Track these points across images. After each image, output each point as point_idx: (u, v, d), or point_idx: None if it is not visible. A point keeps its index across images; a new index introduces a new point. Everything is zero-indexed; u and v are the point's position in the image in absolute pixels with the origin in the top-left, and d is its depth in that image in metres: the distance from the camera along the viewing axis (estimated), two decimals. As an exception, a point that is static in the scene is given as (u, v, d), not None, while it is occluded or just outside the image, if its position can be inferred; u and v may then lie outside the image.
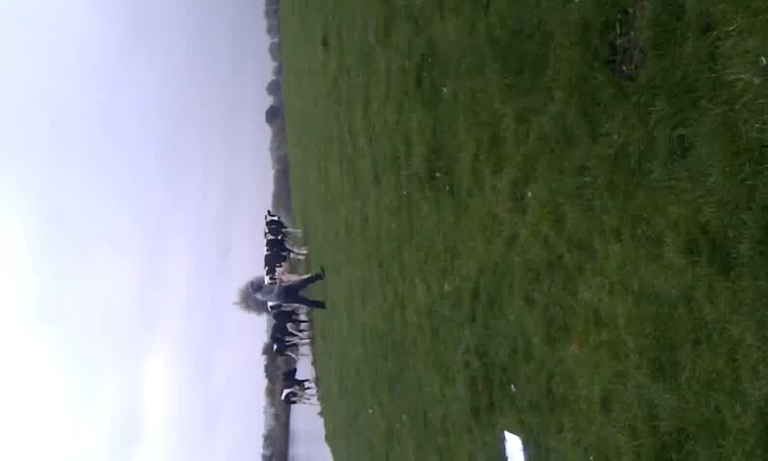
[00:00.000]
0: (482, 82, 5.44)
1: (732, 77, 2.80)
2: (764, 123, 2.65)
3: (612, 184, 3.67)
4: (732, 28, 2.80)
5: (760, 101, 2.68)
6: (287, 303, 18.89)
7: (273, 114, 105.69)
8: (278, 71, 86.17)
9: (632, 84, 3.48)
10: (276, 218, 24.73)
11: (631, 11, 3.49)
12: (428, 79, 6.96)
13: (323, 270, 17.10)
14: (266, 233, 23.08)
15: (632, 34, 3.49)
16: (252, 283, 16.61)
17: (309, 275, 18.58)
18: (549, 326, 4.47)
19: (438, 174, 6.81)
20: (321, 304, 17.24)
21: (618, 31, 3.59)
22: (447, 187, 6.49)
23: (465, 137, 5.92)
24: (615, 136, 3.63)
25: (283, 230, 24.23)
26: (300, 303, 18.92)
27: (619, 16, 3.57)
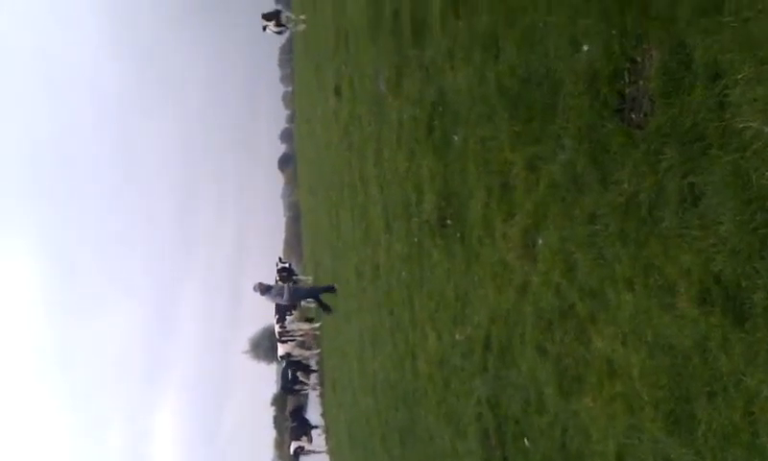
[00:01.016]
0: (492, 130, 5.47)
1: (742, 125, 2.79)
2: (775, 171, 2.62)
3: (624, 233, 3.63)
4: (740, 76, 2.80)
5: (771, 149, 2.66)
6: (297, 300, 18.28)
7: (285, 162, 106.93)
8: (291, 119, 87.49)
9: (641, 133, 3.47)
10: (286, 265, 24.74)
11: (639, 60, 3.50)
12: (439, 127, 7.01)
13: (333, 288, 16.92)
14: (277, 281, 23.05)
15: (640, 82, 3.50)
16: (259, 284, 16.11)
17: (322, 285, 18.31)
18: (562, 377, 4.38)
19: (449, 221, 6.80)
20: (328, 308, 16.87)
21: (627, 79, 3.60)
22: (458, 235, 6.47)
23: (475, 185, 5.92)
24: (626, 184, 3.60)
25: (294, 277, 24.20)
26: (311, 296, 18.40)
27: (628, 65, 3.58)
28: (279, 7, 24.48)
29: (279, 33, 20.70)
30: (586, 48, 3.95)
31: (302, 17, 22.66)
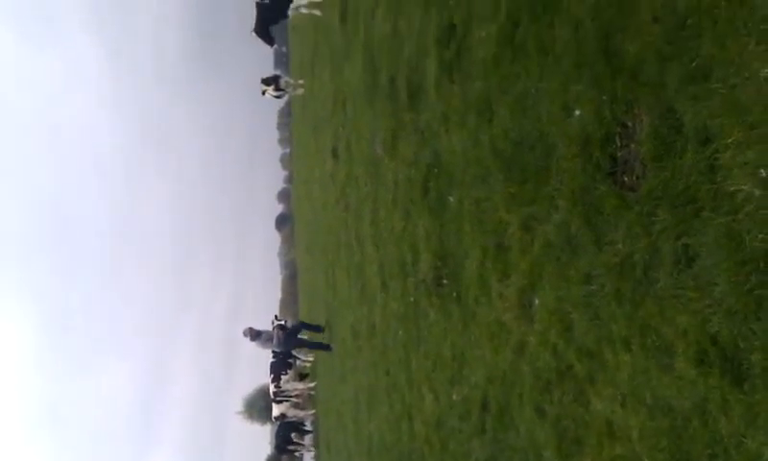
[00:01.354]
0: (487, 191, 5.54)
1: (733, 188, 2.84)
2: (767, 233, 2.66)
3: (620, 293, 3.64)
4: (730, 141, 2.87)
5: (762, 211, 2.70)
6: (289, 348, 17.65)
7: (282, 221, 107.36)
8: (289, 180, 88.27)
9: (634, 195, 3.53)
10: (282, 323, 24.52)
11: (630, 124, 3.59)
12: (434, 188, 7.10)
13: (328, 326, 16.57)
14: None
15: (632, 146, 3.58)
16: (250, 329, 15.51)
17: (313, 323, 17.89)
18: (561, 439, 4.32)
19: (445, 281, 6.80)
20: (326, 346, 16.42)
21: (619, 143, 3.69)
22: (454, 294, 6.47)
23: (471, 245, 5.96)
24: (620, 245, 3.64)
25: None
26: (304, 345, 17.82)
27: (619, 130, 3.67)
28: (278, 72, 25.02)
29: (278, 97, 21.06)
30: (577, 113, 4.05)
31: (301, 82, 23.13)
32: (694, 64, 3.08)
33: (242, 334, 15.47)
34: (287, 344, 16.20)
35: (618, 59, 3.65)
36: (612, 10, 3.72)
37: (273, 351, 22.10)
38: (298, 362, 22.79)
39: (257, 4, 14.09)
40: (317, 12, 15.97)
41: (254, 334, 15.43)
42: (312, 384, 22.01)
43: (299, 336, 16.99)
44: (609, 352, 3.76)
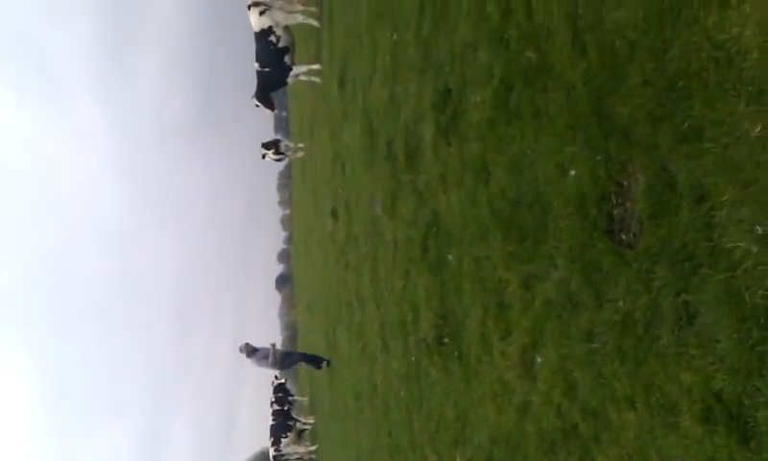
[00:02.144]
0: (486, 249, 5.58)
1: (731, 245, 2.87)
2: (766, 289, 2.68)
3: (622, 351, 3.64)
4: (724, 198, 2.92)
5: (761, 268, 2.73)
6: (285, 367, 17.21)
7: (282, 281, 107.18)
8: (289, 240, 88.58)
9: (632, 252, 3.56)
10: (282, 382, 24.26)
11: (625, 183, 3.66)
12: (434, 247, 7.14)
13: (328, 362, 16.27)
14: (272, 402, 22.52)
15: (628, 204, 3.63)
16: (246, 345, 15.13)
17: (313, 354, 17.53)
18: (568, 501, 4.23)
19: (446, 340, 6.77)
20: (323, 361, 16.02)
21: (615, 202, 3.74)
22: (456, 353, 6.43)
23: (471, 303, 5.96)
24: (621, 303, 3.65)
25: (290, 397, 23.65)
26: (301, 360, 17.36)
27: (614, 188, 3.73)
28: (279, 136, 25.48)
29: (278, 160, 21.40)
30: (573, 173, 4.12)
31: (300, 145, 23.50)
32: (686, 125, 3.15)
33: (238, 350, 15.25)
34: (283, 363, 15.93)
35: (611, 120, 3.74)
36: (603, 74, 3.83)
37: (272, 414, 21.76)
38: (298, 425, 22.43)
39: (258, 72, 14.45)
40: (316, 80, 16.36)
41: (251, 350, 15.18)
42: (313, 448, 21.62)
43: (294, 353, 16.76)
44: (613, 411, 3.73)
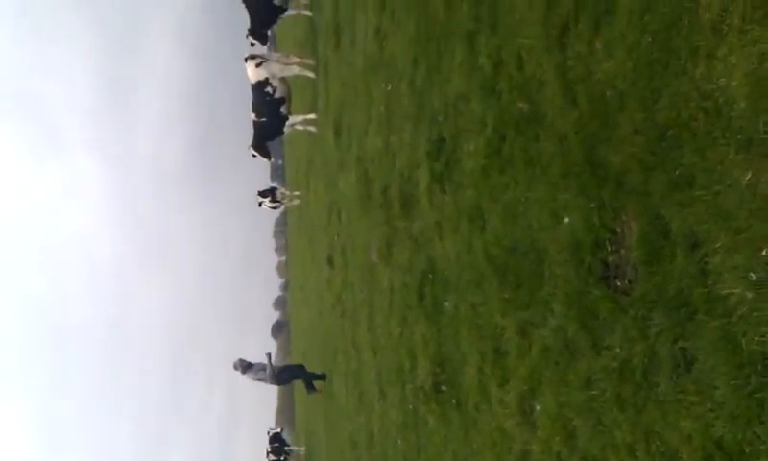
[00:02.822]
0: (482, 296, 5.58)
1: (725, 291, 2.89)
2: (763, 336, 2.69)
3: (621, 398, 3.61)
4: (718, 245, 2.94)
5: (756, 314, 2.74)
6: (282, 382, 16.66)
7: (279, 329, 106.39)
8: (285, 287, 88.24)
9: (628, 299, 3.57)
10: (278, 431, 23.88)
11: (619, 230, 3.69)
12: (430, 293, 7.13)
13: (324, 375, 15.99)
14: (268, 453, 22.15)
15: (622, 251, 3.66)
16: (240, 361, 14.69)
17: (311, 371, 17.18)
18: None
19: (443, 387, 6.71)
20: (321, 376, 15.68)
21: (609, 249, 3.77)
22: (454, 401, 6.36)
23: (469, 350, 5.93)
24: (618, 349, 3.64)
25: (286, 447, 23.26)
26: (298, 377, 16.92)
27: (608, 236, 3.76)
28: (275, 184, 25.70)
29: (275, 208, 21.54)
30: (567, 220, 4.16)
31: (297, 193, 23.67)
32: (677, 173, 3.20)
33: (233, 367, 14.94)
34: (280, 377, 15.61)
35: (603, 168, 3.80)
36: (594, 123, 3.90)
37: (270, 447, 21.25)
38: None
39: (255, 122, 14.66)
40: (312, 129, 16.57)
41: (246, 366, 14.87)
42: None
43: (291, 367, 16.47)
44: (614, 459, 3.68)
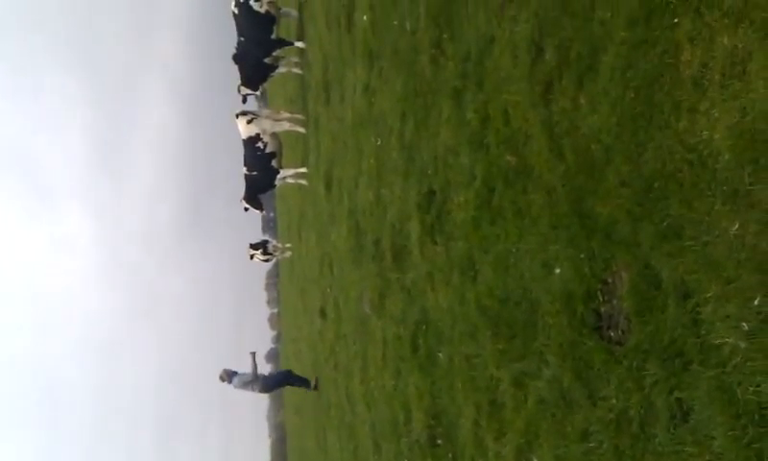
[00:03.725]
0: (476, 347, 5.56)
1: (719, 341, 2.90)
2: (758, 386, 2.69)
3: (619, 450, 3.58)
4: (709, 295, 2.97)
5: (750, 364, 2.74)
6: (270, 390, 16.13)
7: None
8: (277, 340, 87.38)
9: (622, 349, 3.58)
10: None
11: (610, 280, 3.72)
12: (424, 345, 7.09)
13: (316, 383, 15.61)
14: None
15: (614, 301, 3.68)
16: (225, 371, 14.24)
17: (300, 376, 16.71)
18: None
19: (439, 441, 6.61)
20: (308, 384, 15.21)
21: (601, 299, 3.79)
22: (450, 455, 6.27)
23: (464, 403, 5.87)
24: (614, 400, 3.63)
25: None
26: (287, 383, 16.46)
27: (600, 286, 3.79)
28: (266, 237, 25.72)
29: (266, 261, 21.51)
30: (558, 271, 4.18)
31: (288, 246, 23.68)
32: (665, 224, 3.25)
33: (219, 379, 14.56)
34: (267, 384, 15.23)
35: (592, 220, 3.84)
36: (581, 176, 3.97)
37: None
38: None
39: (246, 176, 14.78)
40: (303, 182, 16.69)
41: (231, 374, 14.52)
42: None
43: (280, 372, 16.11)
44: (615, 514, 3.63)
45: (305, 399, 22.55)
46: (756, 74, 2.76)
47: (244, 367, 14.95)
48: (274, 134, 14.44)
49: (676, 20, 3.22)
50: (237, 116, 13.92)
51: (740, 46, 2.85)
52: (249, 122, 13.82)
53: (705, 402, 2.96)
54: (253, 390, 14.92)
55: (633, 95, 3.52)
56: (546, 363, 4.36)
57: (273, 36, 13.96)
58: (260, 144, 14.10)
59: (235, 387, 14.68)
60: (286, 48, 15.73)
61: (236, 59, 14.04)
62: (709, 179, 3.00)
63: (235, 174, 15.54)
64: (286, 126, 14.93)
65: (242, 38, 13.86)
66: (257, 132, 13.93)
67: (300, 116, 15.66)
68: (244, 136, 14.05)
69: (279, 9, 14.13)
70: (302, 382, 16.38)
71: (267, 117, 14.30)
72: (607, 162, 3.73)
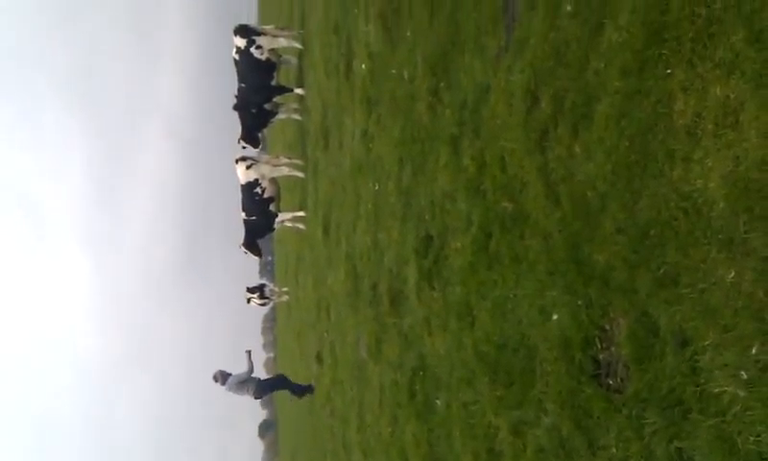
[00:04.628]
0: (474, 394, 5.50)
1: (718, 390, 2.87)
2: (758, 435, 2.66)
3: (619, 501, 3.52)
4: (707, 343, 2.95)
5: (749, 413, 2.72)
6: (262, 395, 15.51)
7: (266, 428, 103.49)
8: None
9: (620, 397, 3.54)
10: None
11: (608, 327, 3.70)
12: (421, 391, 7.02)
13: (311, 388, 15.26)
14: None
15: (612, 349, 3.66)
16: (220, 373, 13.80)
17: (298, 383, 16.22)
18: None
19: (438, 491, 6.49)
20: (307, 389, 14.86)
21: (599, 346, 3.77)
22: (449, 506, 6.14)
23: (462, 451, 5.78)
24: (614, 449, 3.58)
25: None
26: (281, 387, 15.92)
27: (597, 333, 3.77)
28: (264, 281, 25.64)
29: (263, 305, 21.40)
30: (555, 317, 4.17)
31: (285, 290, 23.61)
32: (662, 271, 3.25)
33: (212, 380, 14.19)
34: (261, 387, 14.84)
35: (589, 266, 3.85)
36: (577, 222, 3.99)
37: None
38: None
39: (245, 220, 14.83)
40: (300, 227, 16.73)
41: (225, 376, 14.16)
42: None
43: (277, 377, 15.72)
44: None
45: (302, 446, 22.17)
46: (749, 124, 2.80)
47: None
48: (272, 179, 14.54)
49: (669, 71, 3.29)
50: (237, 162, 14.03)
51: (732, 96, 2.90)
52: (248, 167, 13.93)
53: (705, 452, 2.92)
54: (248, 392, 14.62)
55: (627, 144, 3.56)
56: (545, 411, 4.31)
57: (273, 83, 14.18)
58: (258, 189, 14.19)
59: (228, 389, 14.42)
60: (286, 95, 15.96)
61: (237, 108, 14.24)
62: (705, 227, 3.01)
63: (233, 218, 15.57)
64: (285, 171, 15.04)
65: (242, 85, 14.08)
66: (256, 177, 14.03)
67: (298, 161, 15.78)
68: (243, 182, 14.15)
69: (280, 56, 14.37)
70: (297, 388, 16.13)
71: (266, 162, 14.42)
72: (602, 209, 3.75)
